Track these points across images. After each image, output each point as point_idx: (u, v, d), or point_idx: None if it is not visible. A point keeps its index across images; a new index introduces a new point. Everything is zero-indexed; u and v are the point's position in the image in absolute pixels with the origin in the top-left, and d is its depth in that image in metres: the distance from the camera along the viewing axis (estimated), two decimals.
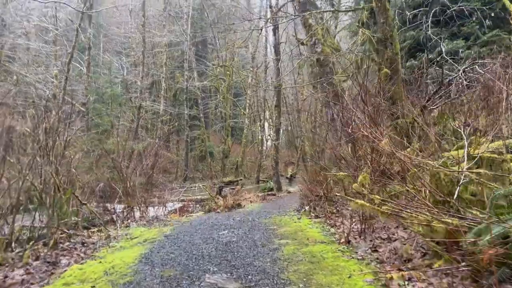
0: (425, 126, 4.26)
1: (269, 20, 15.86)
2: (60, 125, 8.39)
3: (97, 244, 5.58)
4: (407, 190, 3.32)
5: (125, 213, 7.29)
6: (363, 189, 3.72)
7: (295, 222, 6.69)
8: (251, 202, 16.01)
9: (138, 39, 29.20)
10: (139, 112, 25.81)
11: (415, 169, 3.30)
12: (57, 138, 7.58)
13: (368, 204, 3.31)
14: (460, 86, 5.71)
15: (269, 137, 38.45)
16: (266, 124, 36.63)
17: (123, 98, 27.39)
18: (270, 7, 19.77)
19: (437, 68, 6.90)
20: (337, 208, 6.15)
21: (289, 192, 18.49)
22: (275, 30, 18.19)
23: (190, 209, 15.27)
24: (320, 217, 6.44)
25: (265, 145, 35.52)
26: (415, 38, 8.81)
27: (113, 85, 27.14)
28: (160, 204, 17.65)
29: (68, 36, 25.97)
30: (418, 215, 2.77)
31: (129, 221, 7.06)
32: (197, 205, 16.82)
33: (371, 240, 4.68)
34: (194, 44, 34.55)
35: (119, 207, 8.83)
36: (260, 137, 34.56)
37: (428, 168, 3.22)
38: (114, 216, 6.95)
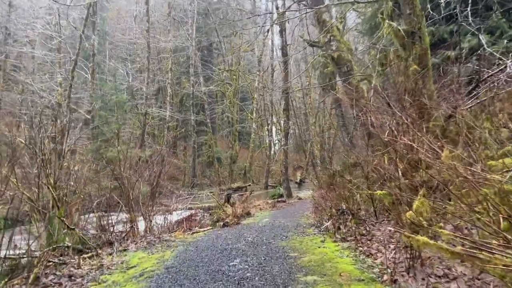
0: (467, 129, 3.66)
1: (276, 21, 15.35)
2: (62, 134, 7.97)
3: (85, 279, 4.68)
4: (478, 218, 2.66)
5: (123, 234, 6.72)
6: (421, 219, 3.07)
7: (319, 246, 5.58)
8: (260, 209, 15.47)
9: (143, 45, 28.91)
10: (145, 119, 25.43)
11: (479, 186, 2.70)
12: (55, 148, 7.13)
13: (433, 243, 2.69)
14: (497, 83, 5.11)
15: (277, 141, 37.98)
16: (274, 129, 36.12)
17: (128, 105, 27.06)
18: (277, 8, 19.30)
19: (470, 64, 6.28)
20: (367, 229, 4.97)
21: (299, 199, 17.92)
22: (282, 31, 17.69)
23: (197, 218, 14.75)
24: (348, 241, 5.32)
25: (272, 149, 35.01)
26: (434, 33, 8.22)
27: (119, 92, 26.81)
28: (167, 212, 17.23)
29: (72, 44, 25.76)
30: (502, 257, 2.17)
31: (128, 241, 6.45)
32: (205, 214, 16.30)
33: (423, 279, 3.64)
34: (200, 49, 34.21)
35: (123, 218, 8.35)
36: (267, 141, 34.04)
37: (494, 184, 2.62)
38: (111, 236, 6.36)
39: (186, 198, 22.32)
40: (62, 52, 24.37)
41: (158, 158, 24.76)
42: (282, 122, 33.01)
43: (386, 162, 4.31)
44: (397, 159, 3.30)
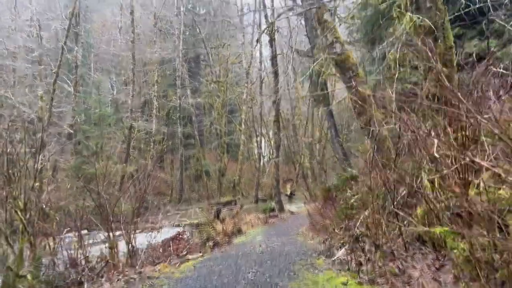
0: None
1: (265, 30, 14.85)
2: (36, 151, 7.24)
3: None
4: None
5: (98, 269, 5.91)
6: None
7: None
8: (252, 226, 14.77)
9: (128, 57, 28.20)
10: (130, 133, 24.59)
11: None
12: (26, 167, 6.40)
13: None
14: None
15: (266, 153, 37.41)
16: (263, 140, 35.55)
17: (113, 119, 26.24)
18: (266, 17, 18.87)
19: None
20: (400, 266, 3.69)
21: (292, 213, 17.27)
22: (272, 41, 17.21)
23: (185, 237, 13.98)
24: (378, 283, 3.98)
25: (262, 161, 34.37)
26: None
27: (103, 105, 26.01)
28: (154, 230, 16.40)
29: (54, 56, 24.93)
30: None
31: (103, 279, 5.62)
32: (194, 230, 15.51)
33: None
34: (187, 61, 33.62)
35: (103, 239, 7.59)
36: (257, 153, 33.41)
37: None
38: (83, 274, 5.51)
39: (174, 213, 21.53)
40: (43, 64, 23.52)
41: (143, 173, 23.91)
42: (271, 133, 32.55)
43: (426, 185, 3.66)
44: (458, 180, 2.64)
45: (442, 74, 3.16)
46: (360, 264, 3.86)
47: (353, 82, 5.75)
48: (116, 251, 6.58)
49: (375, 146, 4.97)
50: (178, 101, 28.77)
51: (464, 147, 2.47)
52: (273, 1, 18.25)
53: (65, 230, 8.99)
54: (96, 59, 35.12)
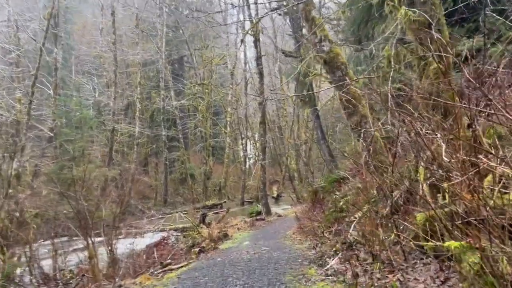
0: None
1: (249, 30, 14.61)
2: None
3: None
4: None
5: (73, 284, 5.51)
6: None
7: None
8: (238, 229, 14.45)
9: (109, 59, 27.60)
10: (113, 136, 24.04)
11: None
12: None
13: None
14: None
15: (251, 155, 37.18)
16: (249, 143, 35.31)
17: (94, 122, 25.63)
18: (250, 17, 18.61)
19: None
20: (400, 279, 3.28)
21: (279, 216, 17.01)
22: (256, 42, 16.96)
23: (170, 242, 13.63)
24: None
25: (248, 164, 34.11)
26: None
27: (84, 108, 25.38)
28: (138, 235, 15.94)
29: (34, 58, 24.21)
30: None
31: None
32: (179, 235, 15.15)
33: None
34: (170, 63, 33.17)
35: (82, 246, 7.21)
36: (242, 156, 33.15)
37: None
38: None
39: (159, 218, 21.06)
40: (21, 66, 22.80)
41: (126, 177, 23.51)
42: (257, 135, 32.30)
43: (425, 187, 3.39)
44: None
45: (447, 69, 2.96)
46: (357, 275, 3.52)
47: (344, 81, 5.51)
48: (95, 260, 6.20)
49: (368, 148, 4.76)
50: (162, 103, 28.29)
51: (475, 149, 2.25)
52: (257, 1, 17.98)
53: (40, 239, 8.58)
54: (77, 61, 34.38)
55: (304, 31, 15.88)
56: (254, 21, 17.42)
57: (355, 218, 5.74)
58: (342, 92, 5.39)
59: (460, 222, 2.53)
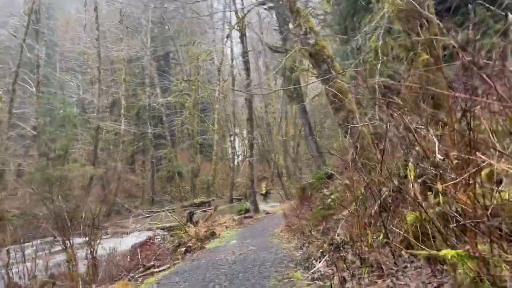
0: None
1: (235, 25, 14.35)
2: None
3: None
4: None
5: None
6: None
7: None
8: (226, 227, 14.26)
9: (93, 55, 27.03)
10: (98, 134, 23.58)
11: None
12: None
13: None
14: None
15: (240, 152, 36.98)
16: (237, 140, 35.05)
17: (78, 119, 25.11)
18: (236, 12, 18.33)
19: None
20: (390, 285, 3.02)
21: (267, 213, 16.85)
22: (242, 37, 16.72)
23: (157, 241, 13.33)
24: None
25: (236, 161, 33.88)
26: None
27: (68, 106, 24.84)
28: (123, 235, 15.65)
29: (15, 55, 23.58)
30: None
31: None
32: (166, 235, 14.86)
33: None
34: (156, 59, 32.66)
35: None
36: (230, 153, 32.89)
37: None
38: None
39: (145, 216, 20.74)
40: (2, 63, 22.22)
41: (111, 175, 23.15)
42: (245, 132, 32.08)
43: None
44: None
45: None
46: (344, 280, 3.31)
47: (330, 75, 5.32)
48: (73, 264, 5.93)
49: (355, 144, 4.58)
50: (148, 100, 27.85)
51: (470, 144, 2.07)
52: None
53: (22, 240, 8.25)
54: (62, 58, 33.66)
55: (291, 26, 15.72)
56: (240, 15, 17.17)
57: (343, 216, 5.57)
58: (328, 86, 5.20)
59: (454, 225, 2.35)
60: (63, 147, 21.89)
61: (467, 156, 2.08)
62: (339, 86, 5.34)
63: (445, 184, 2.37)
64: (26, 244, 7.95)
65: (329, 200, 7.17)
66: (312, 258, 4.87)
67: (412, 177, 3.29)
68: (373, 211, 3.91)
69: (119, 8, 28.18)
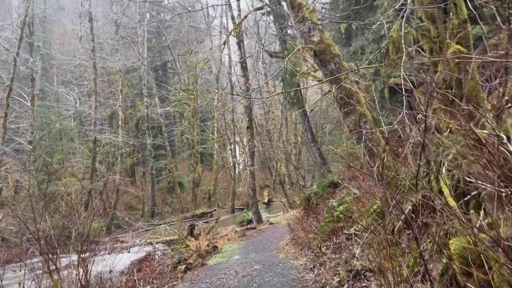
0: None
1: (232, 31, 13.93)
2: None
3: None
4: None
5: None
6: None
7: None
8: (228, 240, 13.71)
9: (90, 67, 26.68)
10: (95, 146, 23.10)
11: None
12: None
13: None
14: None
15: (241, 161, 36.49)
16: (237, 148, 34.55)
17: (74, 133, 24.68)
18: (232, 18, 17.94)
19: None
20: None
21: (271, 224, 16.26)
22: (240, 43, 16.30)
23: (157, 257, 12.79)
24: None
25: (237, 170, 33.35)
26: None
27: (64, 119, 24.43)
28: (123, 250, 15.10)
29: (8, 69, 23.21)
30: None
31: None
32: (167, 250, 14.35)
33: None
34: (153, 69, 32.32)
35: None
36: (231, 162, 32.38)
37: None
38: None
39: (146, 230, 20.19)
40: None
41: (110, 188, 22.62)
42: (245, 140, 31.58)
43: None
44: None
45: None
46: None
47: (338, 75, 4.81)
48: None
49: (369, 151, 4.08)
50: (146, 110, 27.42)
51: None
52: (239, 2, 17.35)
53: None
54: (58, 71, 33.36)
55: (290, 31, 15.34)
56: (236, 21, 16.78)
57: (356, 231, 5.04)
58: (338, 88, 4.68)
59: None
60: (59, 161, 21.46)
61: None
62: (349, 87, 4.84)
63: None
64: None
65: (338, 212, 6.63)
66: (326, 283, 4.26)
67: (446, 190, 2.77)
68: (395, 227, 3.38)
69: (115, 18, 27.85)
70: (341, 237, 5.78)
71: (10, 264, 10.67)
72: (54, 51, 34.91)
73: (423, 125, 2.71)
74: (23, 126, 22.92)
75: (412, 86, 3.39)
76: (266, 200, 27.47)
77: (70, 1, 37.02)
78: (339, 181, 9.18)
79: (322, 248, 5.81)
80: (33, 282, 6.18)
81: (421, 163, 3.42)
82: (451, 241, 2.40)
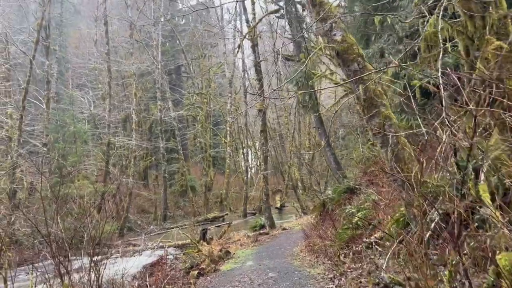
0: None
1: (247, 35, 13.81)
2: None
3: None
4: None
5: None
6: None
7: None
8: (241, 245, 13.51)
9: (105, 70, 26.88)
10: (109, 149, 23.19)
11: None
12: None
13: None
14: None
15: (253, 165, 36.37)
16: (250, 152, 34.42)
17: (88, 135, 24.84)
18: (247, 21, 17.84)
19: None
20: None
21: (284, 229, 16.03)
22: (254, 47, 16.18)
23: (169, 262, 12.65)
24: None
25: (249, 174, 33.20)
26: None
27: (79, 122, 24.60)
28: (136, 253, 15.04)
29: (24, 72, 23.50)
30: None
31: None
32: (179, 254, 14.21)
33: None
34: (167, 73, 32.43)
35: None
36: (244, 166, 32.21)
37: None
38: None
39: (158, 233, 20.16)
40: (11, 80, 22.08)
41: (123, 191, 22.67)
42: (257, 144, 31.43)
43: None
44: None
45: None
46: None
47: (361, 75, 4.60)
48: None
49: (393, 156, 3.87)
50: (159, 113, 27.47)
51: None
52: (254, 5, 17.27)
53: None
54: (74, 75, 33.74)
55: (305, 34, 15.16)
56: (251, 24, 16.67)
57: (377, 239, 4.80)
58: (363, 88, 4.46)
59: None
60: (73, 163, 21.58)
61: None
62: (373, 89, 4.63)
63: None
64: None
65: (356, 219, 6.40)
66: None
67: (487, 198, 2.54)
68: (424, 237, 3.14)
69: (129, 22, 28.05)
70: (361, 245, 5.56)
71: (22, 267, 10.69)
72: (70, 54, 35.39)
73: (467, 127, 2.49)
74: (38, 128, 23.13)
75: (444, 86, 3.17)
76: (278, 205, 27.21)
77: (86, 6, 37.51)
78: (356, 186, 8.92)
79: (340, 257, 5.59)
80: (44, 285, 6.09)
81: (452, 169, 3.19)
82: (499, 256, 2.18)
